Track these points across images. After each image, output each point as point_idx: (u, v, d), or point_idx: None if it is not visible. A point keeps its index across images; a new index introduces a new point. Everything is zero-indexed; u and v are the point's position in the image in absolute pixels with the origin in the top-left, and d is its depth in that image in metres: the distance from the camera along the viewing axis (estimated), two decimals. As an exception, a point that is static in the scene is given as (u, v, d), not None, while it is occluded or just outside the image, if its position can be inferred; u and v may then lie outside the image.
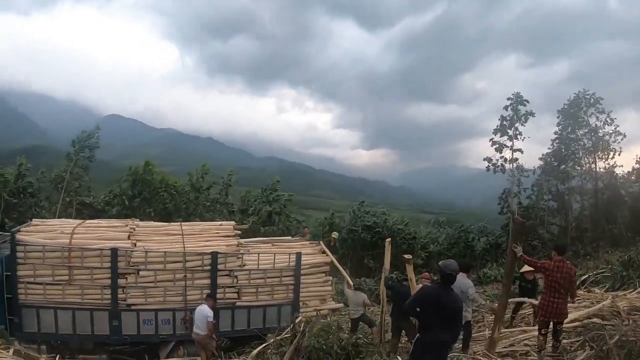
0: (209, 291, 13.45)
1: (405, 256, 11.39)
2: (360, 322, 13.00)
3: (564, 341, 10.04)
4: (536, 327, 10.66)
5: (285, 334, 10.97)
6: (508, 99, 44.66)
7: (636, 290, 14.54)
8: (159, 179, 38.22)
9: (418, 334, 6.86)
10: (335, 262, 16.67)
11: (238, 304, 14.32)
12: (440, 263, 7.06)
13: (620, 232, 41.39)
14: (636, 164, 45.80)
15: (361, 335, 11.33)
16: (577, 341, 9.82)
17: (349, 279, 15.48)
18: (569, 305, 9.89)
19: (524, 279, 13.96)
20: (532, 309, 13.68)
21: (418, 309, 6.79)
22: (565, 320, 10.81)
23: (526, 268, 13.51)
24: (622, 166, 45.47)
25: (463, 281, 9.96)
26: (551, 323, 9.47)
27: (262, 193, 40.68)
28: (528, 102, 44.38)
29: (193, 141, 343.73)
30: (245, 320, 14.32)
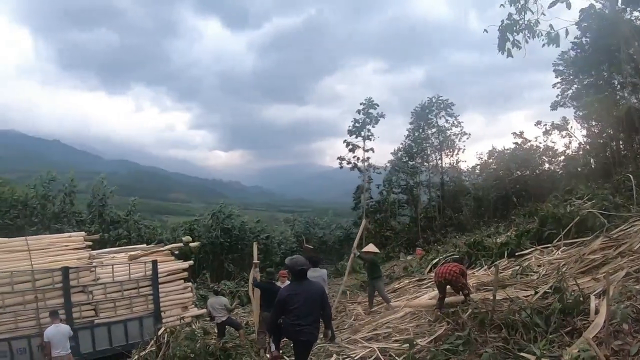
0: (57, 312, 11.89)
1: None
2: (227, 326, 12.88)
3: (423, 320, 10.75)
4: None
5: (150, 347, 10.59)
6: (361, 103, 47.55)
7: (483, 268, 15.65)
8: (10, 194, 34.79)
9: (287, 332, 6.83)
10: None
11: (96, 321, 13.48)
12: (287, 262, 7.10)
13: (465, 219, 44.93)
14: (478, 159, 50.22)
15: (228, 339, 11.27)
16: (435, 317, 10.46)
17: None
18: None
19: (368, 253, 14.81)
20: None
21: (283, 317, 6.76)
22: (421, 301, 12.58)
23: (368, 248, 15.15)
24: (465, 161, 50.03)
25: (321, 272, 11.42)
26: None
27: (94, 197, 38.46)
28: (378, 105, 47.40)
29: (38, 144, 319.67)
30: (107, 338, 13.48)
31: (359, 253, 14.92)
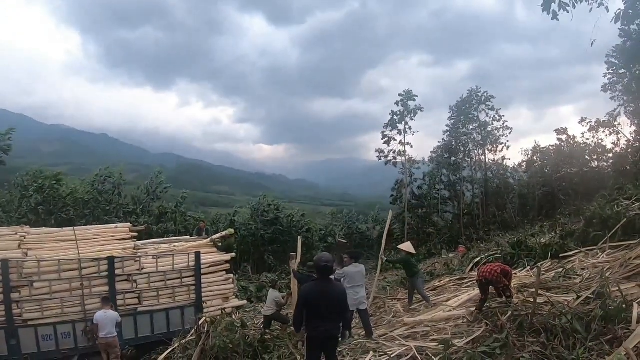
0: (109, 298, 12.68)
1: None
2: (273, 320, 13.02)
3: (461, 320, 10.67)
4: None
5: (191, 336, 10.81)
6: (399, 94, 46.36)
7: (525, 269, 15.40)
8: (69, 192, 35.88)
9: (307, 330, 6.94)
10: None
11: (140, 309, 13.83)
12: (315, 258, 7.21)
13: (510, 217, 44.07)
14: (524, 155, 49.15)
15: (267, 331, 11.42)
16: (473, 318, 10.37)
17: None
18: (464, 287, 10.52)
19: (408, 253, 14.72)
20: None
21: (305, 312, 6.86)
22: (460, 301, 12.60)
23: (406, 247, 14.90)
24: (509, 159, 48.85)
25: (362, 267, 11.28)
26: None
27: (146, 189, 39.29)
28: (417, 96, 46.35)
29: (87, 138, 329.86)
30: (149, 325, 13.84)
31: (386, 258, 15.02)
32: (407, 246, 15.12)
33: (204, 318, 10.93)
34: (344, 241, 16.74)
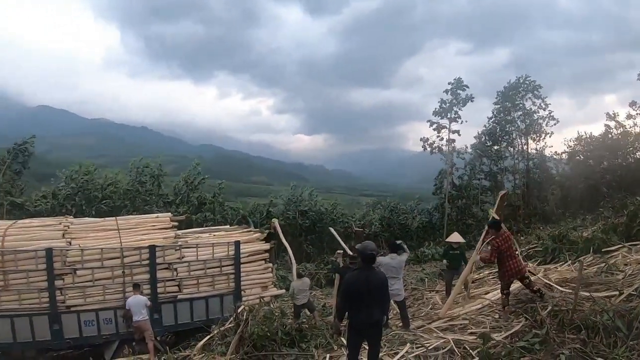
0: (140, 285, 13.24)
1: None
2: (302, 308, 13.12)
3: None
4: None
5: (229, 324, 10.96)
6: (449, 83, 45.65)
7: (566, 263, 15.11)
8: (108, 182, 36.68)
9: (350, 318, 7.02)
10: (288, 248, 16.82)
11: (180, 296, 14.14)
12: (358, 246, 7.24)
13: (551, 209, 43.08)
14: (567, 147, 47.74)
15: (305, 320, 11.51)
16: (513, 312, 10.22)
17: (294, 269, 15.49)
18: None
19: (451, 246, 14.62)
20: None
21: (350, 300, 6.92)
22: (498, 295, 11.87)
23: (452, 238, 15.07)
24: (552, 146, 47.33)
25: (400, 258, 11.15)
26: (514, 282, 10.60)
27: (185, 181, 39.79)
28: (468, 87, 45.47)
29: (126, 131, 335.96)
30: (188, 312, 14.17)
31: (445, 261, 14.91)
32: (455, 237, 15.08)
33: (242, 306, 11.05)
34: (360, 229, 16.65)
